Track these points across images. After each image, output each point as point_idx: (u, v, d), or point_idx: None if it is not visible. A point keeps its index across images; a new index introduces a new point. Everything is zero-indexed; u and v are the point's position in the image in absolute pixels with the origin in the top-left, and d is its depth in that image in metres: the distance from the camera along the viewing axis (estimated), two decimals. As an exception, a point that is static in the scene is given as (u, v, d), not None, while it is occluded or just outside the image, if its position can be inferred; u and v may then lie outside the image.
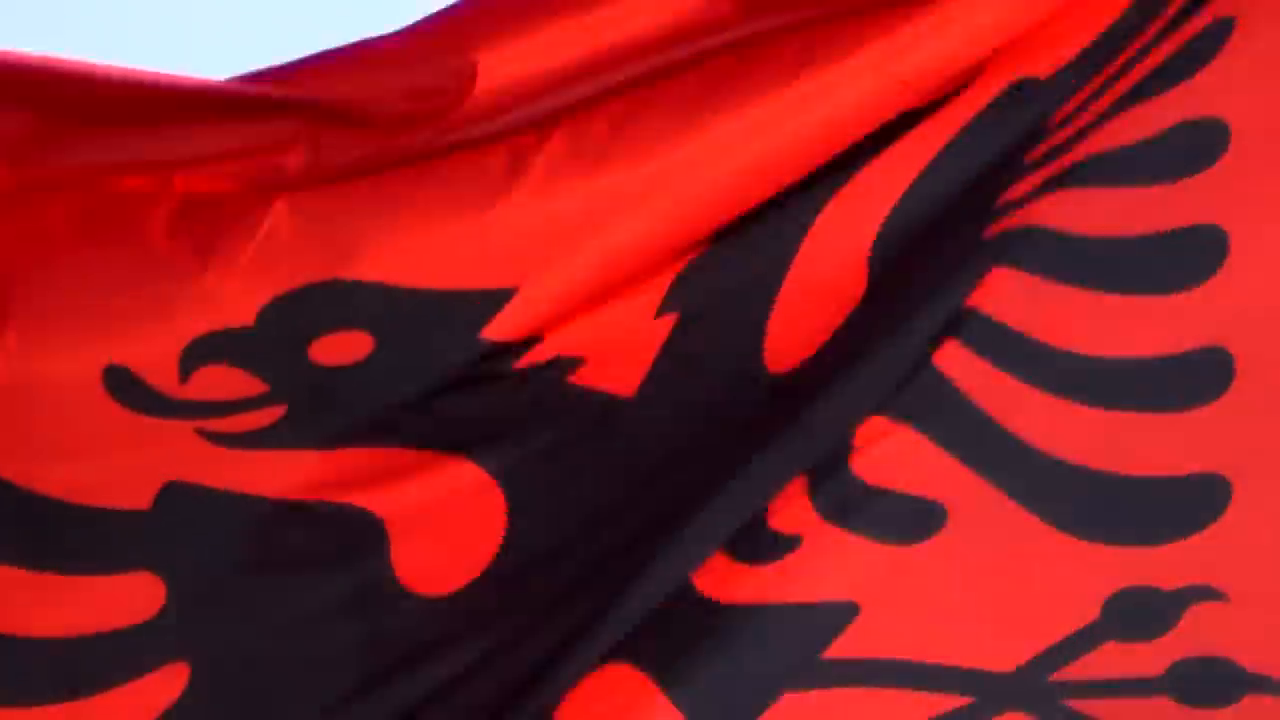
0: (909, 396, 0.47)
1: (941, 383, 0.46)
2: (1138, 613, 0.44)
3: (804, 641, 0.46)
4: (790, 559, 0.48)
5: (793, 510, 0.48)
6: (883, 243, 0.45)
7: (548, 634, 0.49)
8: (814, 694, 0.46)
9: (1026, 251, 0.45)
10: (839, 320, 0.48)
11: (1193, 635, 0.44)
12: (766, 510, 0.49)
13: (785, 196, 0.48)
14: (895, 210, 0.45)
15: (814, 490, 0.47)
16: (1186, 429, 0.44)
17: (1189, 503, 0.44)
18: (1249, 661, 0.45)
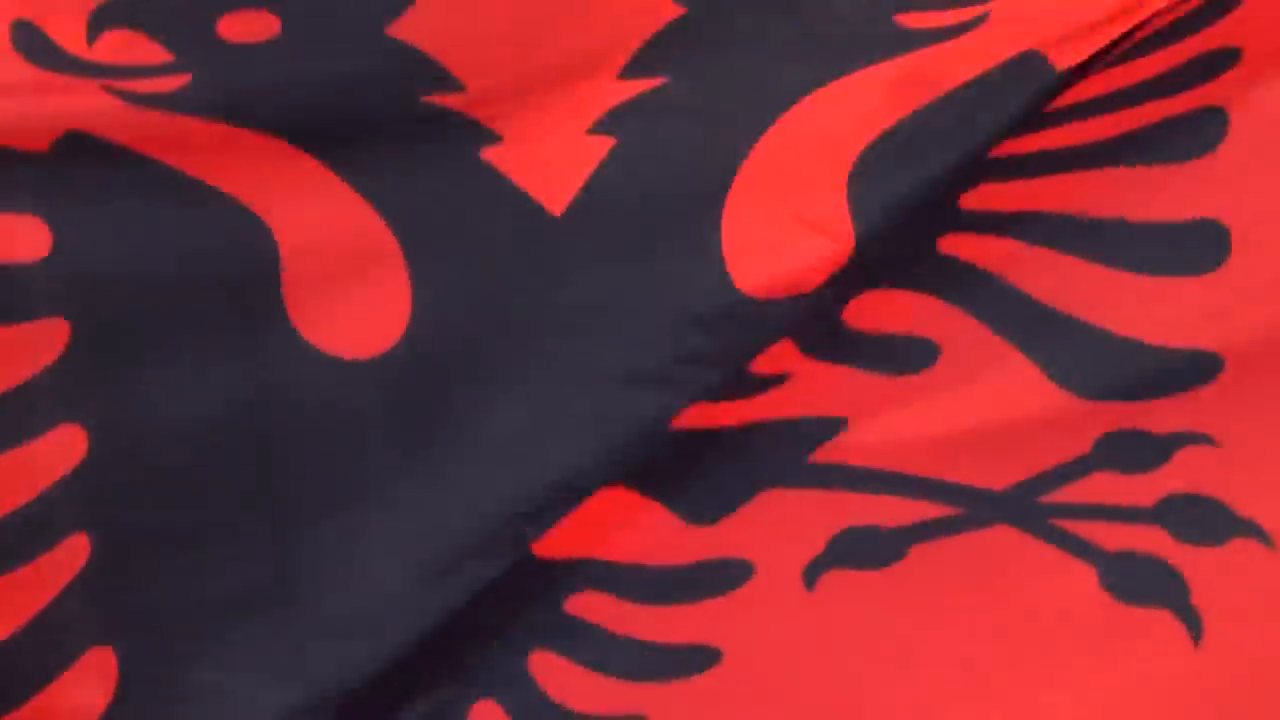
0: (900, 267, 0.48)
1: (936, 253, 0.47)
2: (1129, 451, 0.46)
3: (789, 446, 0.46)
4: (776, 390, 0.48)
5: (777, 354, 0.47)
6: (863, 165, 0.45)
7: (472, 441, 0.46)
8: (796, 492, 0.47)
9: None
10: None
11: (1184, 473, 0.47)
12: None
13: (758, 67, 0.46)
14: (885, 134, 0.45)
15: (799, 337, 0.47)
16: (1182, 298, 0.46)
17: (1182, 372, 0.46)
18: (1240, 505, 0.46)
